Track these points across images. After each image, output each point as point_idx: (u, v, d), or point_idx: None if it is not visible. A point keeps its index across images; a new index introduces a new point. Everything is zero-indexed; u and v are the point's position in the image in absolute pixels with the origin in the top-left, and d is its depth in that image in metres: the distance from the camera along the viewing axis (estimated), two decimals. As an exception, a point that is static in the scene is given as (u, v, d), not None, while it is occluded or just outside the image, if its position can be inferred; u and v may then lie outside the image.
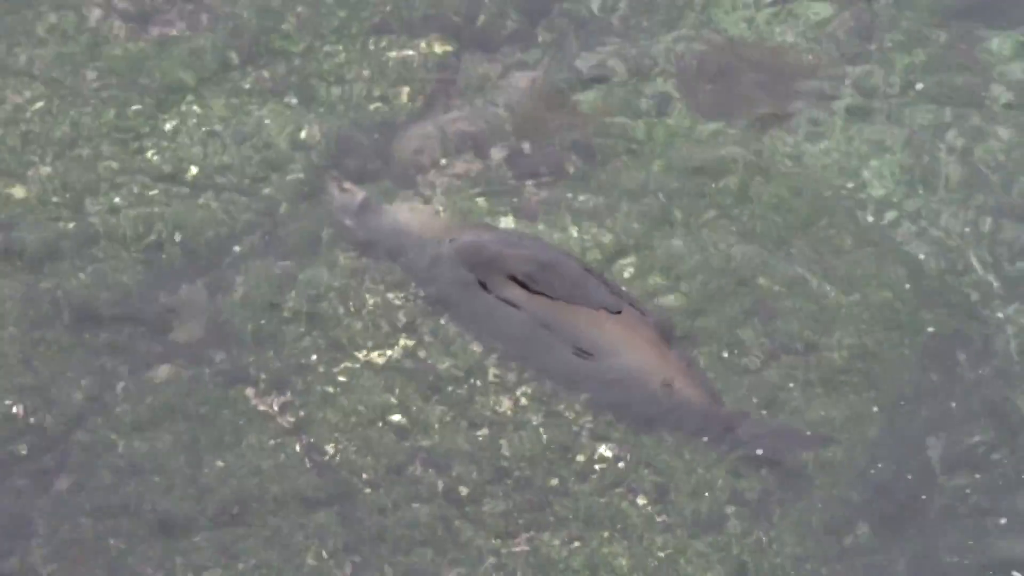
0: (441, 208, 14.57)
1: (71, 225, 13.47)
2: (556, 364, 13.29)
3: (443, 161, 14.63)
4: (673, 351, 13.20)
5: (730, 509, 12.21)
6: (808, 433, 12.65)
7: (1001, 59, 16.82)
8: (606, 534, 12.30)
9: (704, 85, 15.61)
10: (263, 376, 12.80)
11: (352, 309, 13.51)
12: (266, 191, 13.57)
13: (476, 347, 13.26)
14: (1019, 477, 12.87)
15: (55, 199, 13.97)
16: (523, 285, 12.89)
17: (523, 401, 12.90)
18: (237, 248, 13.26)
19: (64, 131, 14.34)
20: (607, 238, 13.92)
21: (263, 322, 13.20)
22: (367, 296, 13.66)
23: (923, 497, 12.83)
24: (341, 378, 12.82)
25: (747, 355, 13.04)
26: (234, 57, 14.93)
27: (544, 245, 13.92)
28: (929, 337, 13.72)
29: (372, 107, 14.60)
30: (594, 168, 14.63)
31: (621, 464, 12.64)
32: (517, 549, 12.37)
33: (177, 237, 13.31)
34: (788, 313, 13.67)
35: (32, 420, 12.62)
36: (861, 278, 14.03)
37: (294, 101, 14.98)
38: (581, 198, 14.27)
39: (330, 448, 12.43)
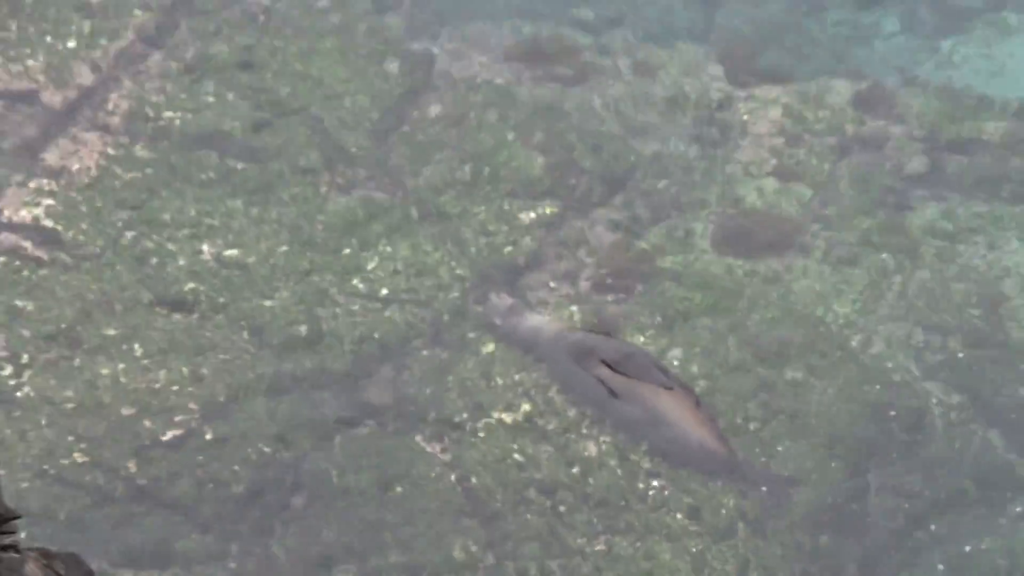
0: (558, 317, 18.38)
1: (303, 328, 17.54)
2: (627, 422, 17.26)
3: (552, 285, 18.62)
4: (702, 414, 17.13)
5: (739, 524, 16.72)
6: (787, 475, 17.24)
7: (925, 225, 20.21)
8: (656, 538, 16.64)
9: (726, 236, 19.26)
10: (429, 428, 17.10)
11: (490, 384, 17.49)
12: (434, 306, 17.78)
13: (573, 411, 17.07)
14: (935, 503, 17.76)
15: (294, 310, 17.92)
16: (610, 367, 16.87)
17: (604, 447, 17.02)
18: (415, 343, 17.51)
19: (303, 264, 18.35)
20: (663, 341, 17.91)
21: (429, 391, 17.26)
22: (500, 376, 17.61)
23: (867, 519, 17.67)
24: (481, 433, 16.88)
25: (750, 421, 17.18)
26: (414, 213, 19.15)
27: (623, 343, 18.10)
28: (872, 415, 17.65)
29: (505, 251, 18.63)
30: (651, 293, 18.58)
31: (667, 492, 16.78)
32: (598, 548, 16.85)
33: (376, 335, 17.55)
34: (780, 393, 18.09)
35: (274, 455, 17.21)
36: (827, 368, 18.37)
37: (452, 247, 19.16)
38: (643, 315, 18.13)
39: (474, 478, 16.81)
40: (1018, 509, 18.56)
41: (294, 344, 17.73)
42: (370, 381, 17.35)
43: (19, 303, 18.06)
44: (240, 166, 19.25)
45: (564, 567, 17.06)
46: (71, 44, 19.95)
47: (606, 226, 19.19)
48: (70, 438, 17.27)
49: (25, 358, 17.55)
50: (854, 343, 18.87)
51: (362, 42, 21.59)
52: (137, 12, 20.55)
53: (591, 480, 16.86)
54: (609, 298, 18.46)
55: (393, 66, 21.41)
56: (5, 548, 7.03)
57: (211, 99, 20.46)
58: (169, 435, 16.95)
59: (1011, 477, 18.65)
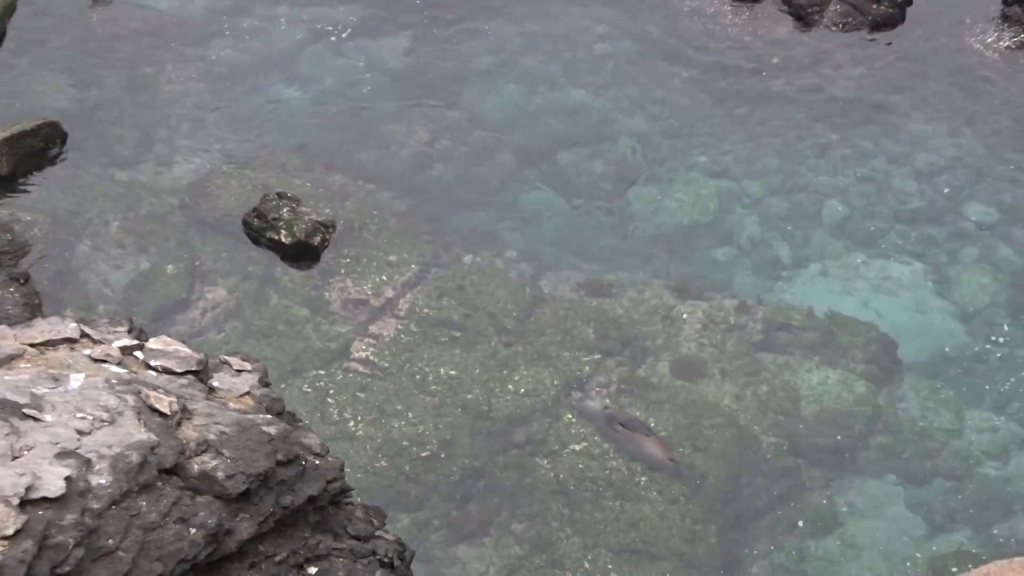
0: (600, 403, 26.64)
1: (486, 407, 25.77)
2: (628, 451, 26.07)
3: (597, 389, 26.81)
4: (663, 446, 25.71)
5: (680, 496, 24.88)
6: (701, 474, 25.31)
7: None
8: (642, 502, 24.69)
9: (675, 368, 27.02)
10: (542, 451, 25.17)
11: (569, 433, 25.77)
12: (544, 397, 25.99)
13: (606, 445, 25.60)
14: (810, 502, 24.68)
15: (481, 399, 26.07)
16: (622, 424, 25.85)
17: (618, 463, 25.46)
18: (536, 414, 25.80)
19: (482, 380, 26.50)
20: (647, 415, 25.81)
21: (541, 436, 25.76)
22: (574, 429, 25.95)
23: (755, 504, 25.08)
24: (563, 453, 25.18)
25: (683, 449, 25.14)
26: (535, 356, 27.14)
27: (629, 414, 26.31)
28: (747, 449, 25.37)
29: (576, 373, 26.72)
30: (641, 393, 26.73)
31: (647, 481, 25.06)
32: (615, 505, 25.04)
33: (518, 411, 25.95)
34: (698, 435, 25.99)
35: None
36: (718, 433, 26.22)
37: (552, 371, 27.00)
38: (637, 404, 25.68)
39: (561, 474, 25.04)
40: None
41: (480, 413, 25.87)
42: (515, 431, 25.98)
43: (358, 393, 25.64)
44: (458, 334, 26.89)
45: (597, 514, 25.09)
46: (383, 277, 27.23)
47: (619, 363, 27.15)
48: (378, 454, 24.89)
49: (358, 418, 25.56)
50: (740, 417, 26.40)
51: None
52: (413, 266, 27.16)
53: (612, 476, 25.33)
54: (623, 395, 26.37)
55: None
56: (345, 504, 11.48)
57: (446, 303, 27.50)
58: (424, 454, 25.37)
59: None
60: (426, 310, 26.81)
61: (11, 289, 25.50)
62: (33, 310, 25.00)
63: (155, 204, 27.71)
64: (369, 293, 26.97)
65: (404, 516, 22.73)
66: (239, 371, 9.51)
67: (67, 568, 7.58)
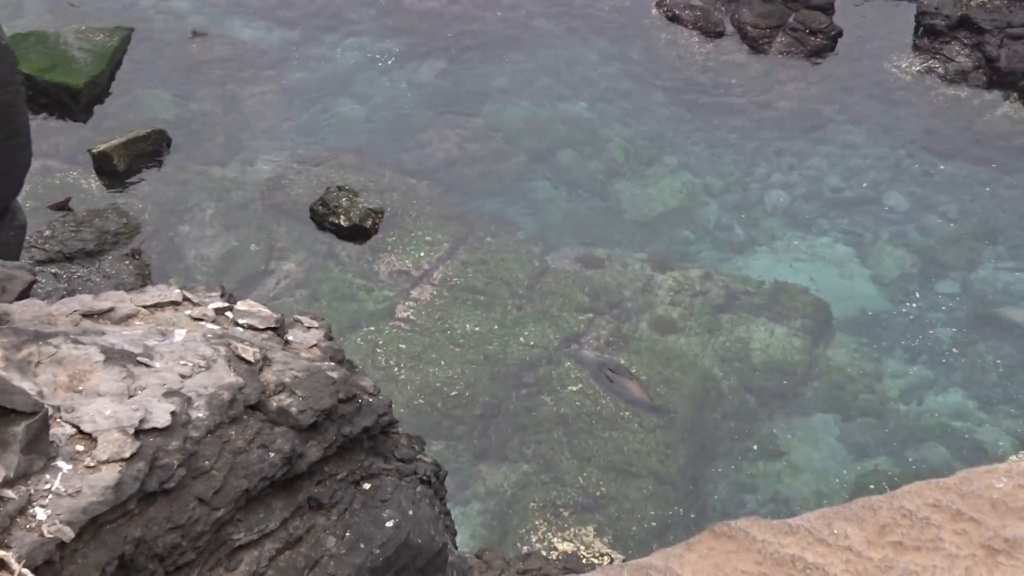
0: (594, 352, 25.45)
1: (501, 355, 25.49)
2: (615, 391, 25.34)
3: (591, 343, 26.33)
4: (642, 388, 25.11)
5: (656, 428, 24.39)
6: (673, 410, 24.54)
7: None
8: (627, 431, 24.29)
9: (654, 326, 26.68)
10: (546, 390, 24.79)
11: (569, 377, 25.28)
12: (550, 349, 25.77)
13: (597, 387, 25.11)
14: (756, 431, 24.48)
15: (498, 348, 25.70)
16: (611, 370, 25.18)
17: (607, 401, 24.87)
18: (542, 360, 25.29)
19: (500, 334, 26.27)
20: (629, 362, 25.43)
21: (544, 381, 25.17)
22: (572, 374, 25.34)
23: (716, 434, 24.67)
24: (563, 392, 24.67)
25: (658, 390, 24.78)
26: (542, 317, 27.03)
27: (615, 361, 25.68)
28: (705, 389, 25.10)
29: (573, 330, 26.37)
30: (626, 344, 26.32)
31: (630, 416, 24.53)
32: (605, 435, 24.47)
33: (527, 358, 25.56)
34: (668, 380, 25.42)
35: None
36: (684, 375, 25.86)
37: (554, 328, 26.58)
38: (624, 352, 25.55)
39: (563, 408, 24.43)
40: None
41: (498, 360, 25.57)
42: (525, 375, 25.43)
43: (401, 345, 25.25)
44: (481, 298, 26.33)
45: (590, 441, 24.67)
46: (421, 253, 26.92)
47: (608, 321, 26.71)
48: (417, 393, 24.46)
49: (401, 365, 25.22)
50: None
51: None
52: (445, 244, 26.76)
53: (602, 412, 24.87)
54: (611, 347, 25.77)
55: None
56: (391, 434, 10.74)
57: (471, 273, 26.78)
58: (453, 393, 24.85)
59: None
60: (455, 279, 26.80)
61: (127, 262, 25.62)
62: (144, 279, 25.00)
63: (240, 195, 27.61)
64: (410, 266, 26.97)
65: (438, 443, 22.61)
66: (308, 328, 9.59)
67: (171, 484, 7.70)
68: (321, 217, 27.40)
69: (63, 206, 26.58)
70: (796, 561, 5.54)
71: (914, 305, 26.68)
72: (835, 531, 5.66)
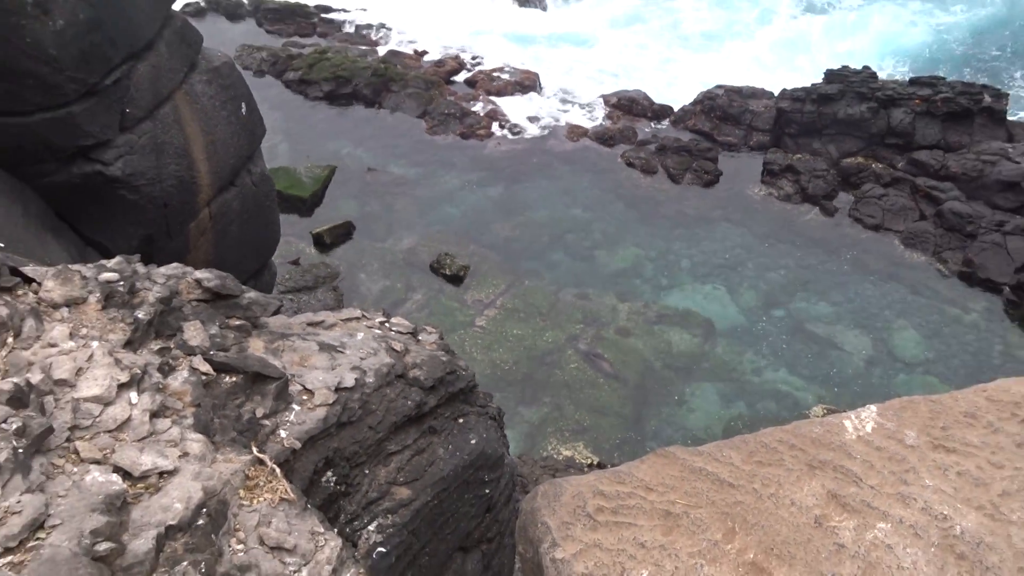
0: (589, 344, 24.67)
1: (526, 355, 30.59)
2: (598, 368, 23.59)
3: (585, 338, 24.75)
4: (612, 367, 23.53)
5: (618, 387, 22.90)
6: (632, 379, 22.82)
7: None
8: (599, 391, 22.80)
9: (631, 329, 25.73)
10: (555, 368, 24.73)
11: (570, 363, 23.77)
12: (560, 343, 25.15)
13: (586, 363, 23.49)
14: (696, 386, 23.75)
15: (531, 343, 26.22)
16: (594, 355, 23.46)
17: (590, 372, 23.34)
18: (555, 350, 27.65)
19: (535, 327, 27.75)
20: (607, 353, 25.57)
21: (556, 366, 23.76)
22: (573, 361, 23.76)
23: (651, 391, 23.31)
24: (565, 369, 24.22)
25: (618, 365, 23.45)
26: (554, 324, 34.03)
27: (598, 351, 23.88)
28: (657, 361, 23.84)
29: (574, 332, 24.78)
30: (608, 343, 24.82)
31: (604, 382, 23.11)
32: (582, 395, 22.68)
33: (539, 348, 30.45)
34: (625, 353, 24.00)
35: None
36: (634, 347, 24.28)
37: (562, 331, 25.60)
38: (601, 345, 24.99)
39: (559, 372, 25.67)
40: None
41: (531, 350, 24.16)
42: (546, 358, 23.90)
43: (478, 341, 24.34)
44: (522, 315, 25.07)
45: (580, 395, 23.19)
46: (489, 290, 25.87)
47: (593, 330, 24.99)
48: (486, 368, 23.44)
49: (477, 352, 24.06)
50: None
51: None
52: (502, 285, 26.07)
53: (589, 379, 23.37)
54: (594, 342, 24.36)
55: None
56: (474, 390, 9.95)
57: (517, 302, 25.58)
58: (505, 367, 23.53)
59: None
60: (508, 305, 25.89)
61: (331, 294, 25.35)
62: (340, 303, 24.71)
63: (392, 257, 27.08)
64: (482, 297, 26.16)
65: (498, 394, 21.27)
66: (430, 332, 9.54)
67: (354, 418, 7.67)
68: (435, 270, 26.73)
69: (295, 262, 26.41)
70: (702, 470, 5.59)
71: (760, 323, 25.92)
72: (723, 454, 5.79)
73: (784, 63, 36.01)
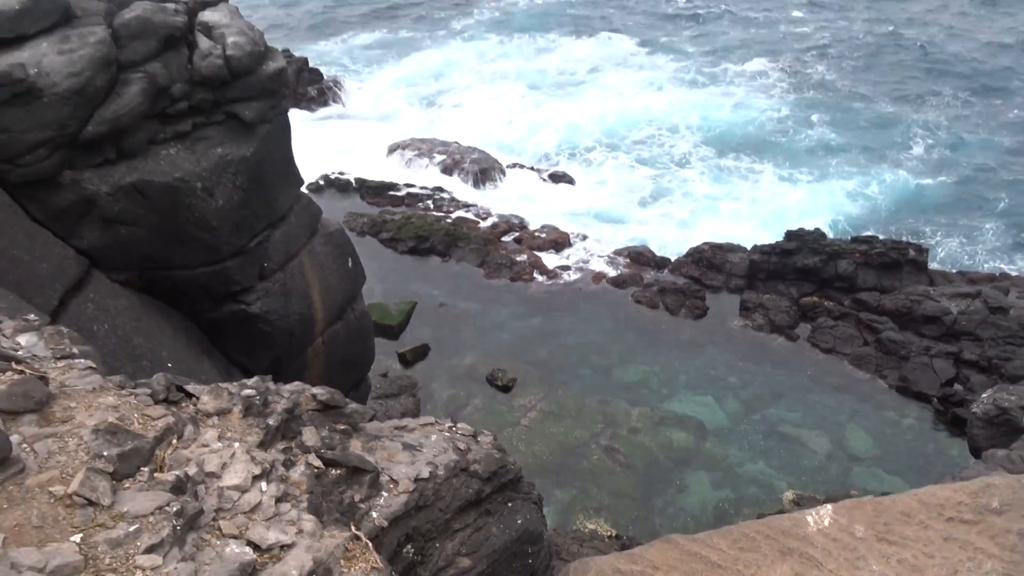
0: None
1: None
2: (614, 459, 22.26)
3: None
4: (626, 457, 22.53)
5: (631, 475, 21.73)
6: (640, 466, 23.95)
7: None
8: (618, 478, 21.53)
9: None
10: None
11: (593, 453, 24.13)
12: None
13: (606, 456, 23.62)
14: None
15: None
16: (612, 449, 24.91)
17: (610, 463, 21.84)
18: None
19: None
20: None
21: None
22: (597, 451, 27.01)
23: (656, 476, 22.01)
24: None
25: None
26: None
27: (615, 446, 23.48)
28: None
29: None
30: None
31: (620, 470, 21.75)
32: (607, 478, 23.54)
33: None
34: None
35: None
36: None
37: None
38: None
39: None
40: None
41: (566, 443, 23.15)
42: (578, 450, 22.67)
43: (523, 436, 23.05)
44: (556, 416, 24.25)
45: (602, 479, 21.93)
46: (530, 398, 24.72)
47: (610, 429, 23.66)
48: (529, 459, 22.30)
49: (521, 446, 22.79)
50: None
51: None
52: (541, 393, 24.90)
53: (608, 467, 22.16)
54: (611, 439, 23.13)
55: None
56: (520, 480, 10.71)
57: (552, 406, 24.43)
58: (544, 458, 22.30)
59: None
60: (545, 409, 25.20)
61: (410, 401, 24.63)
62: (417, 408, 24.25)
63: (458, 371, 26.70)
64: (526, 402, 25.52)
65: (538, 480, 19.78)
66: (486, 435, 9.44)
67: (428, 503, 7.57)
68: (490, 381, 26.25)
69: (385, 375, 25.96)
70: (697, 554, 5.43)
71: (741, 425, 25.26)
72: (713, 541, 5.62)
73: (763, 222, 35.97)
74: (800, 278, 30.23)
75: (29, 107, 11.28)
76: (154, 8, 12.70)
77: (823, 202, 37.46)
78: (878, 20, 57.03)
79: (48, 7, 11.92)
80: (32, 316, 8.52)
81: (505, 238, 33.46)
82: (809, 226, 32.02)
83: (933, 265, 31.47)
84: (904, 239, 32.13)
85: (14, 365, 6.58)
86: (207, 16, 13.72)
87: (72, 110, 11.65)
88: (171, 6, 13.09)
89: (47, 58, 11.46)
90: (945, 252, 34.72)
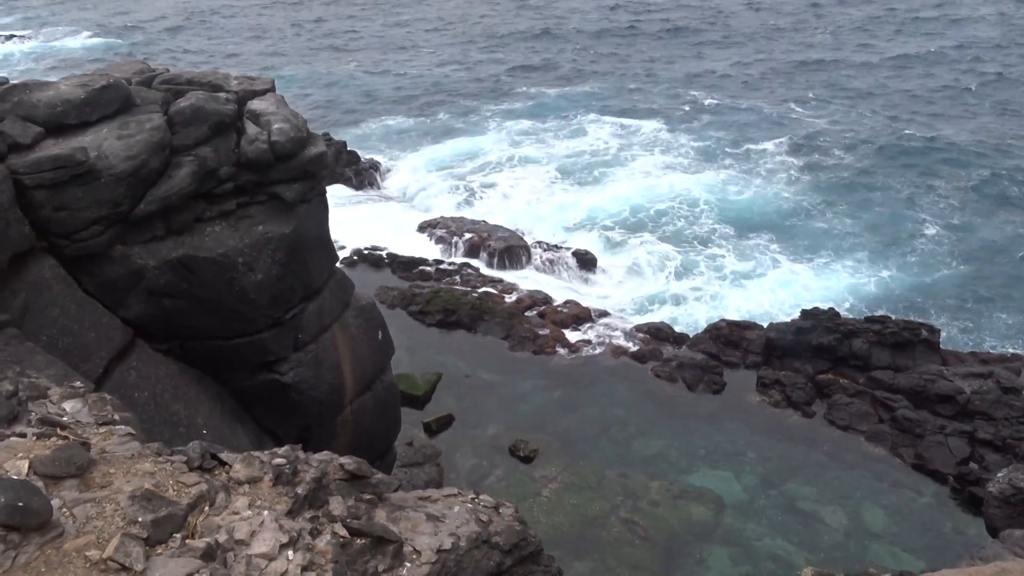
0: None
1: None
2: (634, 532, 22.07)
3: None
4: (646, 531, 23.00)
5: (651, 549, 22.89)
6: (660, 540, 24.33)
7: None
8: (640, 551, 21.46)
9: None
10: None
11: (613, 529, 25.07)
12: None
13: (625, 530, 26.00)
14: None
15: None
16: (632, 521, 26.51)
17: (630, 536, 21.77)
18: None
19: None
20: None
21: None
22: (616, 522, 25.38)
23: (676, 550, 21.59)
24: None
25: None
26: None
27: (634, 519, 24.39)
28: None
29: None
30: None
31: (640, 543, 22.11)
32: (629, 552, 23.80)
33: None
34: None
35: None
36: None
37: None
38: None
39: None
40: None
41: (586, 515, 22.77)
42: (600, 521, 22.49)
43: (543, 508, 22.54)
44: (577, 487, 23.66)
45: (623, 551, 21.47)
46: (552, 469, 24.39)
47: (630, 501, 23.33)
48: (550, 531, 21.90)
49: (542, 517, 22.57)
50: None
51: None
52: (561, 465, 24.54)
53: (628, 539, 21.74)
54: (629, 512, 23.24)
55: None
56: (541, 552, 11.17)
57: (572, 478, 24.12)
58: (564, 529, 22.43)
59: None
60: (566, 480, 24.87)
61: (434, 468, 24.34)
62: (441, 476, 23.90)
63: (481, 441, 26.52)
64: (548, 473, 25.19)
65: (557, 552, 19.93)
66: (508, 507, 9.31)
67: (450, 574, 7.45)
68: (512, 452, 25.98)
69: (410, 443, 25.73)
70: None
71: (759, 500, 24.68)
72: None
73: (779, 300, 35.76)
74: (815, 356, 29.90)
75: (88, 187, 11.73)
76: (207, 97, 13.26)
77: (837, 283, 37.28)
78: (889, 110, 57.68)
79: (111, 96, 12.53)
80: (78, 383, 8.69)
81: (529, 312, 33.50)
82: (823, 305, 31.94)
83: (946, 345, 30.93)
84: (916, 320, 31.61)
85: (59, 431, 6.69)
86: (255, 104, 14.27)
87: (127, 190, 12.08)
88: (222, 95, 13.66)
89: (107, 142, 11.96)
90: (957, 334, 34.17)
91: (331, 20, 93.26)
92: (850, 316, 32.68)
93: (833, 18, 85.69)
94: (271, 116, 14.07)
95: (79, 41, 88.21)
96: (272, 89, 15.21)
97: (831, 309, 31.51)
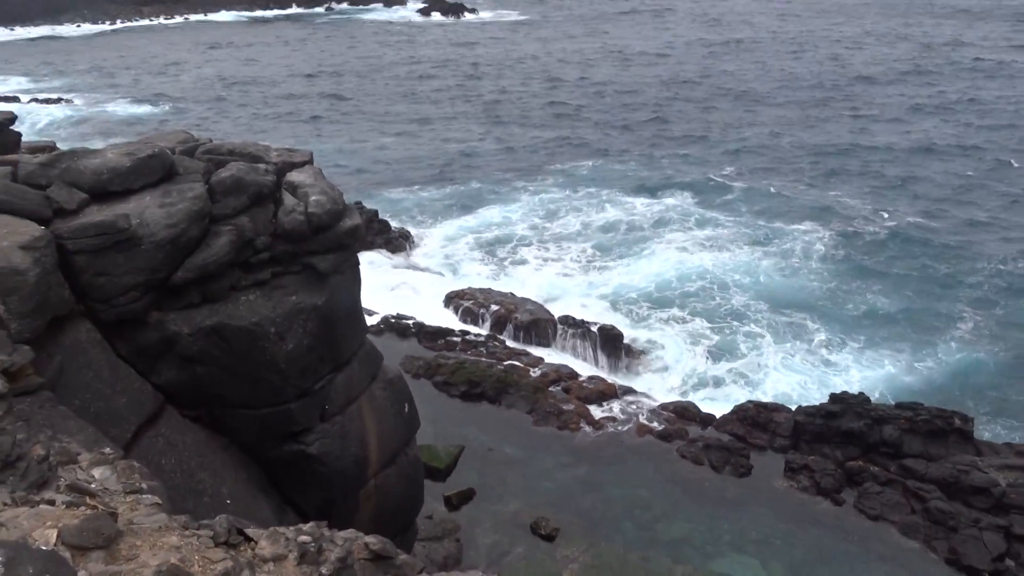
0: None
1: None
2: None
3: None
4: None
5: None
6: None
7: None
8: None
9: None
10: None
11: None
12: None
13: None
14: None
15: None
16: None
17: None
18: None
19: None
20: None
21: None
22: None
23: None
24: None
25: None
26: None
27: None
28: None
29: None
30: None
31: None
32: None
33: None
34: None
35: None
36: None
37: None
38: None
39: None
40: None
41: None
42: None
43: None
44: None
45: None
46: (574, 549, 23.92)
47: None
48: None
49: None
50: None
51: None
52: (582, 548, 24.28)
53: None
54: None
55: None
56: None
57: (595, 547, 24.35)
58: None
59: None
60: (587, 562, 24.22)
61: (454, 543, 24.34)
62: (459, 552, 23.74)
63: (502, 517, 26.02)
64: (568, 554, 24.72)
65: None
66: None
67: None
68: (534, 529, 25.59)
69: (430, 517, 25.46)
70: None
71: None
72: None
73: (808, 383, 34.99)
74: (845, 441, 29.27)
75: (128, 253, 12.06)
76: (247, 168, 13.68)
77: (870, 368, 36.49)
78: (926, 196, 57.44)
79: (154, 165, 12.99)
80: (108, 449, 8.77)
81: (554, 387, 33.27)
82: (853, 390, 31.42)
83: (980, 436, 30.17)
84: (950, 408, 30.54)
85: (88, 500, 6.71)
86: (293, 176, 14.68)
87: (165, 257, 12.40)
88: (262, 167, 14.08)
89: (149, 210, 12.35)
90: (991, 424, 33.22)
91: (358, 97, 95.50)
92: (880, 402, 32.17)
93: (871, 98, 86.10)
94: (308, 188, 14.43)
95: (122, 107, 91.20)
96: (310, 161, 15.61)
97: (861, 394, 31.08)
